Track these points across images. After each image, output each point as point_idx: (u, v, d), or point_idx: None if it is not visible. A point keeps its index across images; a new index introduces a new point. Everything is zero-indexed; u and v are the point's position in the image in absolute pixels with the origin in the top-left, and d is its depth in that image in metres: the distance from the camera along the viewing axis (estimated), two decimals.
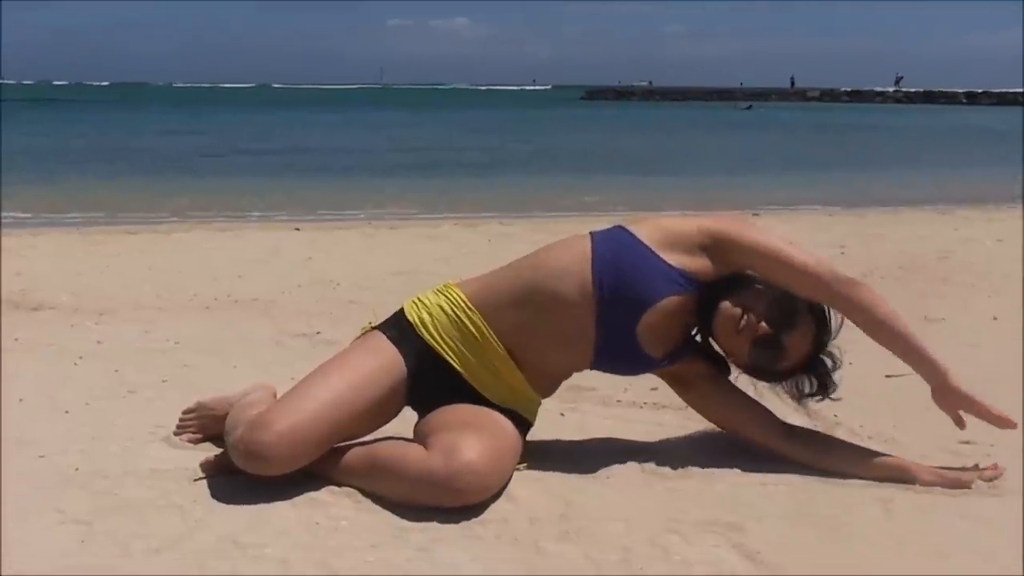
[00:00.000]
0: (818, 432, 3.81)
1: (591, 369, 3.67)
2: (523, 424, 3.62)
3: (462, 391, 3.55)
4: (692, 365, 3.73)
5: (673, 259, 3.50)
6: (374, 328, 3.67)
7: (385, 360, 3.52)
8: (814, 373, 3.63)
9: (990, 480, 3.50)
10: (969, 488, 3.45)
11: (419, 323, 3.59)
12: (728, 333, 3.54)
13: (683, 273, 3.50)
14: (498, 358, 3.54)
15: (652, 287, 3.46)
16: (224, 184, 18.70)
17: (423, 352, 3.55)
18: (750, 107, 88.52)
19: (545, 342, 3.53)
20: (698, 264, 3.53)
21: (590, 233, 3.60)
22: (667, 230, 3.55)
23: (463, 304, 3.58)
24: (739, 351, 3.57)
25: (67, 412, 4.29)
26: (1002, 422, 3.51)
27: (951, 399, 3.55)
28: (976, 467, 3.56)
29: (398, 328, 3.61)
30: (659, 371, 3.74)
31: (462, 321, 3.55)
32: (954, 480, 3.48)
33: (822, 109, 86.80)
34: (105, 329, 6.00)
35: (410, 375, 3.53)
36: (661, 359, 3.62)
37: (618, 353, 3.55)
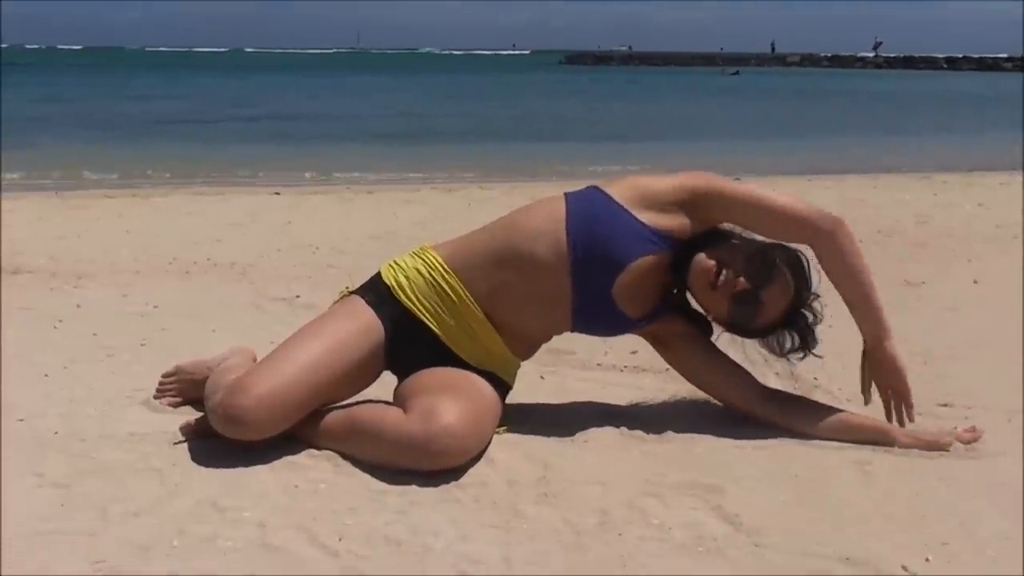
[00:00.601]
0: (798, 396, 3.79)
1: (571, 331, 3.66)
2: (502, 387, 3.61)
3: (440, 354, 3.54)
4: (672, 325, 3.72)
5: (647, 217, 3.49)
6: (351, 292, 3.66)
7: (363, 323, 3.51)
8: (795, 328, 3.62)
9: (968, 442, 3.51)
10: (947, 450, 3.47)
11: (396, 286, 3.58)
12: (704, 288, 3.52)
13: (657, 232, 3.49)
14: (475, 320, 3.54)
15: (626, 247, 3.45)
16: (203, 149, 18.64)
17: (400, 315, 3.55)
18: (737, 72, 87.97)
19: (522, 303, 3.52)
20: (674, 222, 3.52)
21: (564, 194, 3.59)
22: (641, 188, 3.54)
23: (440, 266, 3.57)
24: (717, 307, 3.56)
25: (46, 376, 4.28)
26: (909, 413, 3.60)
27: (881, 362, 3.61)
28: (955, 429, 3.57)
29: (375, 292, 3.60)
30: (639, 331, 3.73)
31: (439, 283, 3.54)
32: (931, 442, 3.50)
33: (803, 74, 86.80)
34: (84, 293, 5.98)
35: (388, 338, 3.53)
36: (639, 319, 3.61)
37: (595, 313, 3.54)
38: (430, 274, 3.57)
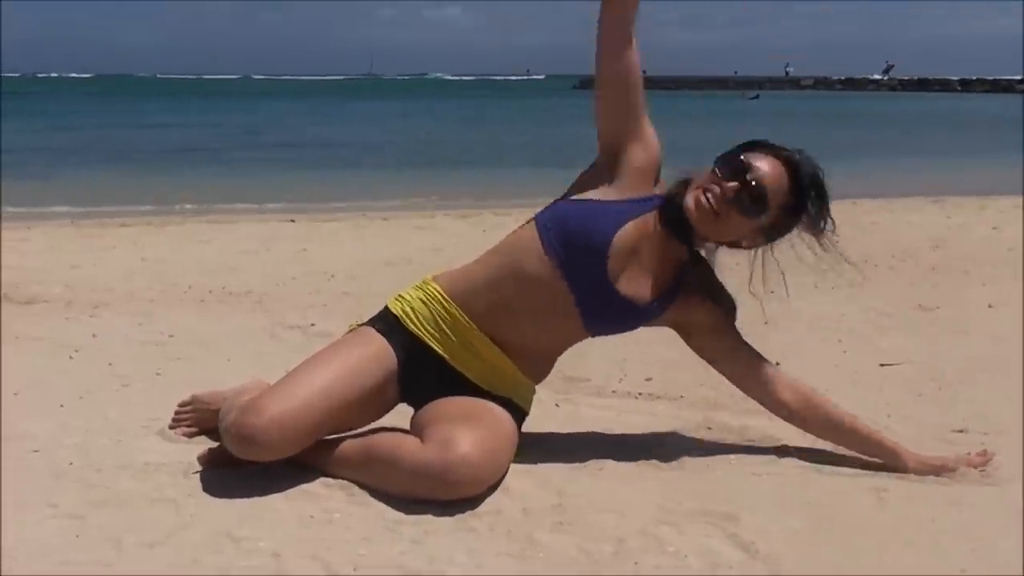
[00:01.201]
0: (819, 401, 3.68)
1: (589, 333, 3.62)
2: (518, 413, 3.61)
3: (452, 380, 3.54)
4: (692, 313, 3.65)
5: (614, 194, 3.50)
6: (361, 325, 3.67)
7: (374, 350, 3.52)
8: (809, 202, 3.52)
9: (979, 467, 3.49)
10: (954, 474, 3.45)
11: (403, 315, 3.59)
12: (711, 221, 3.44)
13: (629, 201, 3.49)
14: (477, 338, 3.53)
15: (601, 228, 3.43)
16: (217, 176, 18.71)
17: (410, 343, 3.55)
18: (757, 96, 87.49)
19: (526, 319, 3.51)
20: (643, 180, 3.54)
21: (533, 216, 3.60)
22: (592, 176, 3.58)
23: (438, 295, 3.59)
24: (734, 226, 3.46)
25: (62, 406, 4.28)
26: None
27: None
28: (967, 455, 3.56)
29: (385, 322, 3.61)
30: (659, 321, 3.66)
31: (439, 311, 3.56)
32: (939, 467, 3.48)
33: (817, 97, 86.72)
34: (99, 322, 5.99)
35: (401, 367, 3.53)
36: (649, 304, 3.54)
37: (603, 308, 3.50)
38: (431, 303, 3.58)
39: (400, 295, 3.69)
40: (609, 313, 3.53)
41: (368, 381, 3.45)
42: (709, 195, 3.41)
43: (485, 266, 3.61)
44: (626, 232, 3.45)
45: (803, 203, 3.49)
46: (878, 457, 3.55)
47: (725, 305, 3.65)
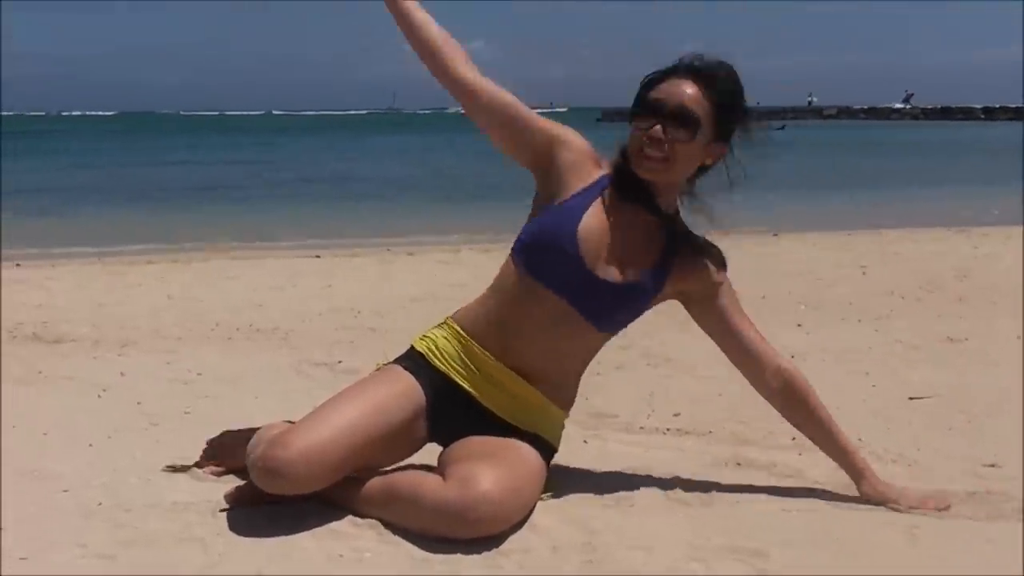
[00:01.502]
0: (806, 394, 3.68)
1: (606, 332, 3.61)
2: (547, 450, 3.60)
3: (480, 418, 3.53)
4: (687, 279, 3.62)
5: (563, 197, 3.52)
6: (388, 363, 3.68)
7: (402, 387, 3.51)
8: (723, 83, 3.50)
9: (934, 510, 3.48)
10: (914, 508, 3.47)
11: (429, 352, 3.60)
12: (664, 169, 3.44)
13: (576, 195, 3.51)
14: (498, 371, 3.53)
15: (561, 231, 3.45)
16: (241, 213, 18.76)
17: (438, 380, 3.55)
18: (783, 127, 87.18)
19: (538, 339, 3.50)
20: (584, 172, 3.55)
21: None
22: (545, 192, 3.61)
23: (458, 332, 3.61)
24: (686, 156, 3.45)
25: (90, 445, 4.29)
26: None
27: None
28: (930, 498, 3.53)
29: (411, 360, 3.62)
30: (663, 295, 3.64)
31: (460, 348, 3.58)
32: (891, 499, 3.52)
33: (841, 127, 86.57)
34: (127, 361, 6.01)
35: (429, 405, 3.53)
36: (643, 280, 3.52)
37: (599, 302, 3.49)
38: (452, 340, 3.60)
39: (424, 334, 3.71)
40: (607, 304, 3.52)
41: (395, 418, 3.45)
42: (647, 149, 3.42)
43: (484, 302, 3.64)
44: (588, 222, 3.45)
45: (720, 88, 3.49)
46: (842, 467, 3.62)
47: (715, 259, 3.65)
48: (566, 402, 3.69)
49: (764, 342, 3.68)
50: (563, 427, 3.70)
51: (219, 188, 26.39)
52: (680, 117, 3.40)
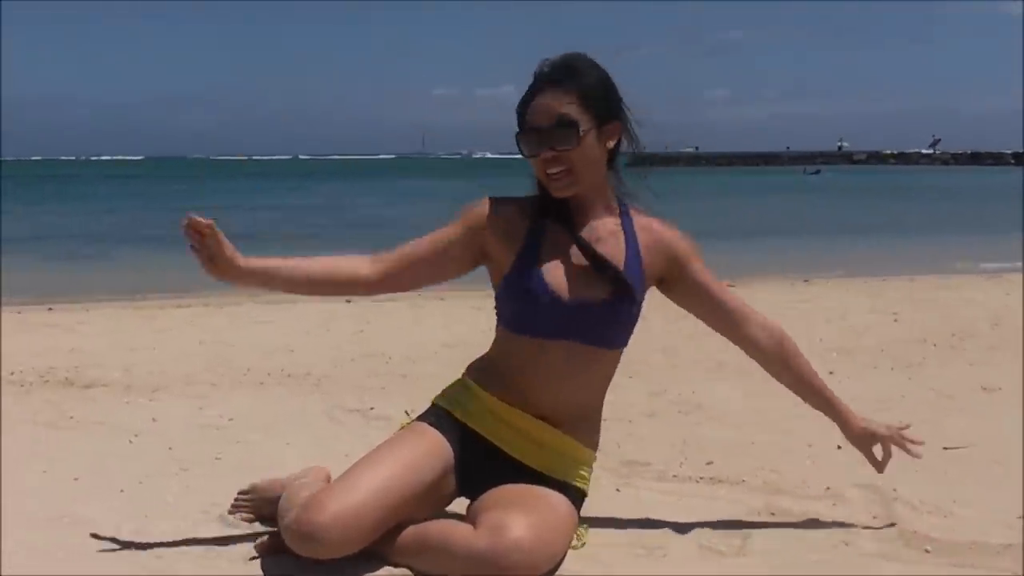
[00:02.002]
0: (789, 352, 3.73)
1: (615, 349, 3.59)
2: (577, 496, 3.58)
3: (509, 469, 3.51)
4: (655, 265, 3.61)
5: (512, 256, 3.54)
6: (413, 421, 3.67)
7: (429, 444, 3.49)
8: (584, 72, 3.48)
9: (901, 434, 3.72)
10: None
11: (451, 407, 3.61)
12: (573, 179, 3.45)
13: (524, 240, 3.53)
14: (520, 418, 3.53)
15: (525, 279, 3.47)
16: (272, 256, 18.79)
17: (463, 434, 3.55)
18: (818, 172, 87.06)
19: (551, 382, 3.49)
20: (514, 222, 3.57)
21: None
22: (493, 271, 3.66)
23: (475, 388, 3.61)
24: (585, 156, 3.44)
25: (121, 491, 4.29)
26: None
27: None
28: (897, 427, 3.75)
29: (436, 415, 3.61)
30: (648, 284, 3.63)
31: (480, 401, 3.58)
32: (878, 436, 3.75)
33: (871, 172, 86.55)
34: (158, 406, 6.02)
35: (457, 460, 3.51)
36: (624, 281, 3.49)
37: (597, 322, 3.47)
38: (469, 392, 3.62)
39: (443, 391, 3.72)
40: (605, 321, 3.50)
41: (426, 476, 3.43)
42: (549, 170, 3.43)
43: (494, 361, 3.64)
44: (547, 262, 3.47)
45: (580, 79, 3.46)
46: (828, 416, 3.82)
47: (677, 237, 3.66)
48: (593, 441, 3.67)
49: (748, 305, 3.73)
50: (592, 470, 3.68)
51: (246, 235, 26.49)
52: (557, 129, 3.40)
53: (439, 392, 3.72)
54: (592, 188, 3.53)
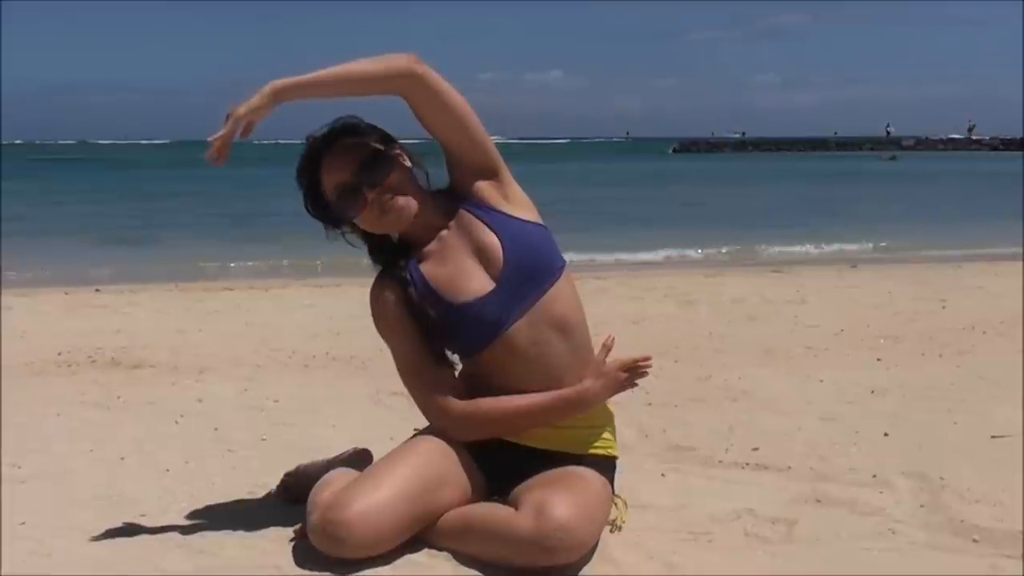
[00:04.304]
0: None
1: (549, 279, 3.59)
2: (607, 465, 3.57)
3: (532, 457, 3.50)
4: (479, 185, 3.64)
5: (408, 325, 3.68)
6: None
7: (450, 442, 3.50)
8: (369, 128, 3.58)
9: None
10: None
11: None
12: (394, 218, 3.53)
13: (406, 307, 3.61)
14: None
15: (438, 318, 3.51)
16: (320, 241, 18.79)
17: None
18: (894, 157, 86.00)
19: (534, 361, 3.49)
20: (389, 300, 3.71)
21: None
22: None
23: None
24: (403, 191, 3.52)
25: (168, 471, 4.32)
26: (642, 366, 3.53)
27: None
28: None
29: None
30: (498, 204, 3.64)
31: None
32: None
33: (918, 158, 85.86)
34: (205, 387, 6.06)
35: (479, 457, 3.50)
36: (500, 227, 3.55)
37: (522, 280, 3.50)
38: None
39: None
40: (525, 269, 3.52)
41: (450, 474, 3.43)
42: (386, 217, 3.52)
43: (484, 387, 3.58)
44: (448, 289, 3.49)
45: (350, 132, 3.53)
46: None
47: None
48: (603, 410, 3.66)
49: None
50: (614, 429, 3.68)
51: (296, 216, 26.54)
52: (368, 174, 3.49)
53: None
54: (422, 209, 3.56)
